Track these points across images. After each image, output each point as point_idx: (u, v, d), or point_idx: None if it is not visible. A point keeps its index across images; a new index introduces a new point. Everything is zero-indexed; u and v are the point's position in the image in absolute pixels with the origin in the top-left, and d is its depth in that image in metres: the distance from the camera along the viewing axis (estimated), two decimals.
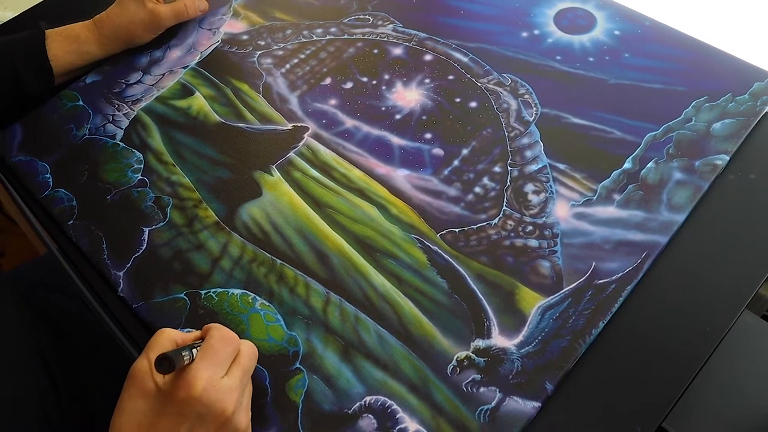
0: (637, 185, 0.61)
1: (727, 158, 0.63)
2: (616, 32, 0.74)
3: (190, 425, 0.44)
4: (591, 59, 0.72)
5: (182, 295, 0.59)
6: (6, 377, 0.55)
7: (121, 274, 0.61)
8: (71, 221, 0.65)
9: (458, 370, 0.52)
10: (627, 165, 0.63)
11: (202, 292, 0.59)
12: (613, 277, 0.56)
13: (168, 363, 0.42)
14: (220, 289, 0.59)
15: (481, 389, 0.51)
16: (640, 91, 0.68)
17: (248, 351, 0.50)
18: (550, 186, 0.62)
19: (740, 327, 0.55)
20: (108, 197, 0.66)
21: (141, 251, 0.62)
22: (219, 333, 0.48)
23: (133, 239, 0.63)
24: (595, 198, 0.61)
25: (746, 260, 0.57)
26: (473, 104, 0.69)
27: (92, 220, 0.65)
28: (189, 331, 0.51)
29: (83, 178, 0.68)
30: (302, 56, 0.76)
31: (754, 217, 0.60)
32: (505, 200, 0.61)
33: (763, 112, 0.66)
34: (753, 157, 0.64)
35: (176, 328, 0.56)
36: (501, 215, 0.60)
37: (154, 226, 0.63)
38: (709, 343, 0.53)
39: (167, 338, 0.48)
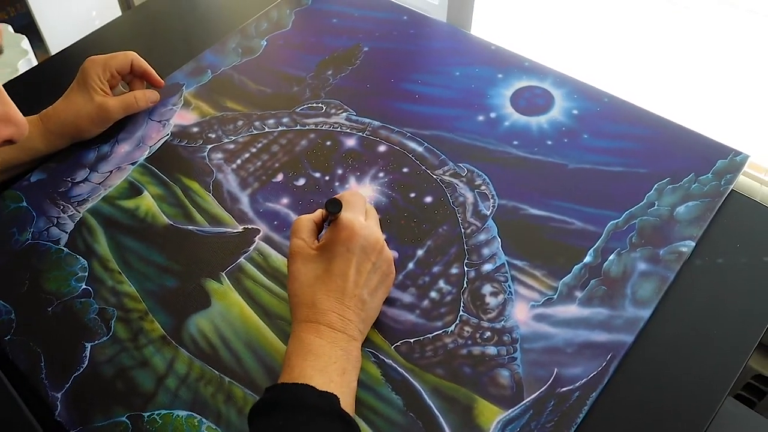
0: (599, 280, 0.59)
1: (693, 244, 0.61)
2: (575, 111, 0.73)
3: (357, 259, 0.54)
4: (549, 143, 0.70)
5: (124, 419, 0.55)
6: None
7: (58, 395, 0.57)
8: (9, 336, 0.61)
9: None
10: (588, 258, 0.60)
11: (145, 414, 0.55)
12: (577, 384, 0.53)
13: (338, 202, 0.54)
14: (165, 411, 0.55)
15: None
16: (600, 175, 0.67)
17: (371, 206, 0.61)
18: (509, 286, 0.59)
19: (722, 417, 0.53)
20: (49, 309, 0.63)
21: (82, 370, 0.58)
22: (349, 192, 0.59)
23: (74, 356, 0.59)
24: (555, 296, 0.58)
25: (721, 351, 0.55)
26: (428, 199, 0.67)
27: (31, 335, 0.61)
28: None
29: (24, 288, 0.65)
30: (254, 150, 0.74)
31: (725, 305, 0.58)
32: (461, 304, 0.59)
33: (728, 192, 0.65)
34: (720, 240, 0.62)
35: None
36: (458, 321, 0.58)
37: (96, 342, 0.60)
38: None
39: (307, 220, 0.58)
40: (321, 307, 0.53)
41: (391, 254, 0.57)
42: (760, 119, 0.84)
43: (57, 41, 1.63)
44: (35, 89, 0.88)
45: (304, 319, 0.53)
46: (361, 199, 0.58)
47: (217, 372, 0.57)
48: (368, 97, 0.78)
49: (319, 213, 0.59)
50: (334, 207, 0.54)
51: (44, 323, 0.62)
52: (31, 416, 0.57)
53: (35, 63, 1.44)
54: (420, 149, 0.71)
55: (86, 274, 0.65)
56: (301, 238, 0.56)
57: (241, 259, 0.64)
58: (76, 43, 0.95)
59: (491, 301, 0.59)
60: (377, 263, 0.55)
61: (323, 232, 0.58)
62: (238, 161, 0.73)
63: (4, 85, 0.56)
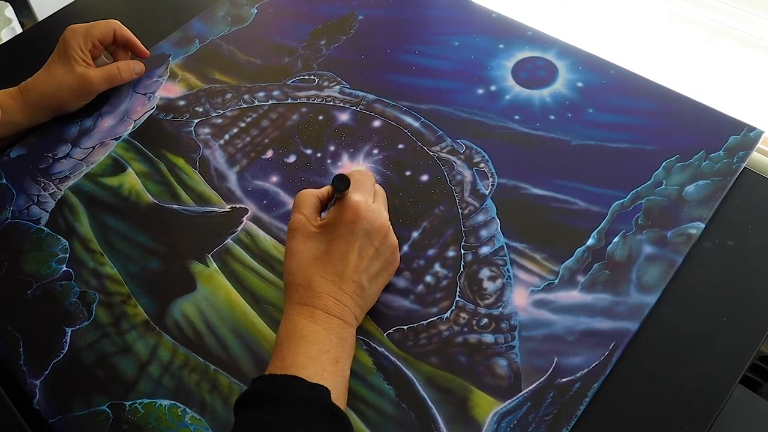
0: (603, 264, 0.56)
1: (703, 226, 0.58)
2: (579, 84, 0.69)
3: (360, 243, 0.52)
4: (552, 117, 0.67)
5: (105, 408, 0.53)
6: None
7: (37, 383, 0.55)
8: None
9: None
10: (591, 241, 0.58)
11: (127, 403, 0.53)
12: (578, 374, 0.50)
13: (346, 179, 0.51)
14: (147, 400, 0.53)
15: None
16: (605, 152, 0.63)
17: (379, 187, 0.59)
18: (507, 270, 0.56)
19: (731, 405, 0.50)
20: (29, 292, 0.60)
21: (62, 356, 0.56)
22: (357, 171, 0.57)
23: (54, 342, 0.57)
24: (557, 281, 0.55)
25: (730, 339, 0.52)
26: (424, 178, 0.63)
27: (10, 319, 0.59)
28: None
29: (3, 270, 0.62)
30: (242, 125, 0.70)
31: (735, 290, 0.55)
32: (458, 289, 0.56)
33: (740, 170, 0.61)
34: (731, 221, 0.59)
35: None
36: (453, 307, 0.55)
37: (77, 326, 0.58)
38: None
39: (311, 195, 0.55)
40: (317, 290, 0.50)
41: (397, 241, 0.55)
42: None
43: (46, 10, 1.58)
44: (17, 59, 0.85)
45: (299, 302, 0.50)
46: (370, 179, 0.56)
47: (201, 359, 0.55)
48: (363, 68, 0.74)
49: (325, 189, 0.57)
50: (341, 184, 0.51)
51: (23, 307, 0.60)
52: (11, 404, 0.55)
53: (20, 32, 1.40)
54: (416, 124, 0.68)
55: (67, 255, 0.62)
56: (302, 213, 0.53)
57: (228, 241, 0.61)
58: (60, 10, 0.92)
59: (489, 286, 0.56)
60: (380, 249, 0.53)
61: (327, 211, 0.56)
62: (226, 137, 0.70)
63: None
